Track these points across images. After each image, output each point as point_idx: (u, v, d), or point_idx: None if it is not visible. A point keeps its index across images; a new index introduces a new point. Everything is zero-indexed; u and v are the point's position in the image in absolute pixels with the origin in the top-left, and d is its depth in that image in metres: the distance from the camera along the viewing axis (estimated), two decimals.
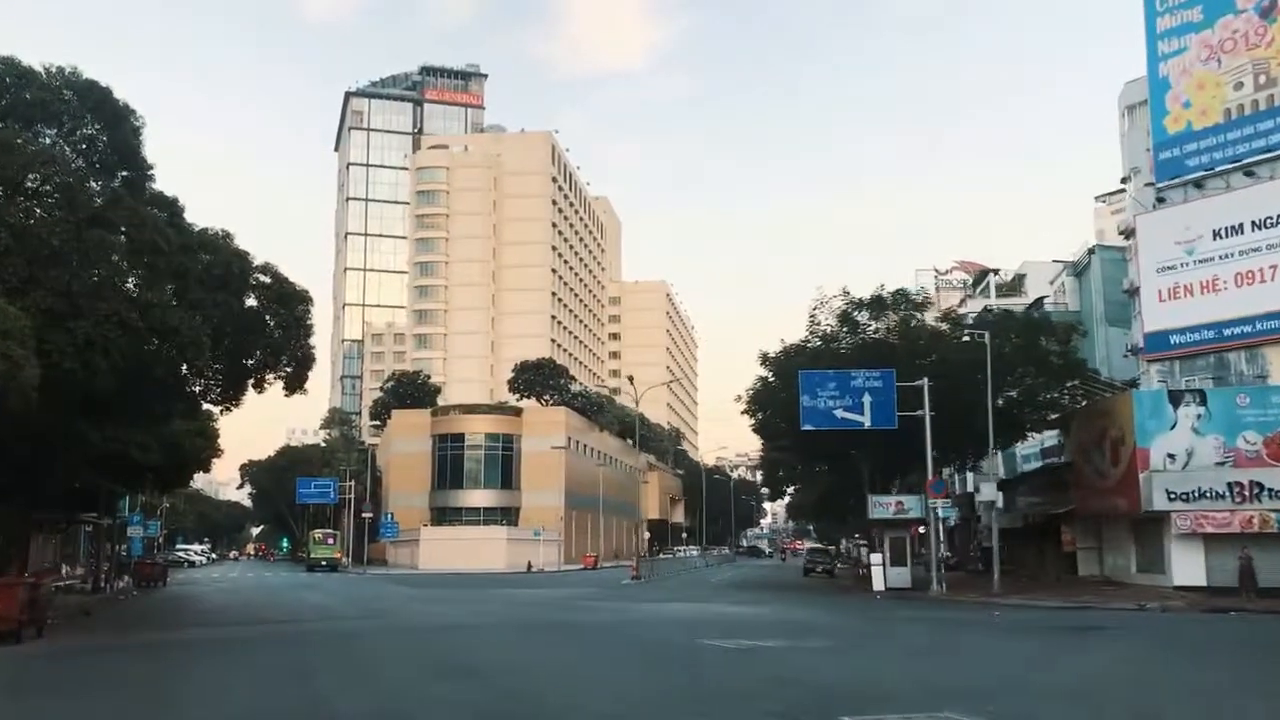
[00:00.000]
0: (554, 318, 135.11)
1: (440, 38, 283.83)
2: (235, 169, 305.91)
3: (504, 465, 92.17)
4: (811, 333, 45.41)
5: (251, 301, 30.08)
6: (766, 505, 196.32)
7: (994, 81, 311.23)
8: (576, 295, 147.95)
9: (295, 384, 31.57)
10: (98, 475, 40.16)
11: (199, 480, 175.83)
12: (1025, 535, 54.77)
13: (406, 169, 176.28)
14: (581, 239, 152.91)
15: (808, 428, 40.89)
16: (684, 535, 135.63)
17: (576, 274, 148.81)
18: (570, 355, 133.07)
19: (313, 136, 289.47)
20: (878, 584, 42.08)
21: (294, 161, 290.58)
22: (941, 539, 68.43)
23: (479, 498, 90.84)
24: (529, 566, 74.18)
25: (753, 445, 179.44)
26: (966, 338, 39.56)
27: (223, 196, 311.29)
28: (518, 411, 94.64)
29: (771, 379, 48.46)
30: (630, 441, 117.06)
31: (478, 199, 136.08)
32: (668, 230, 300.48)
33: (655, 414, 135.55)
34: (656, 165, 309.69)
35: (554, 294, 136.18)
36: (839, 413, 40.22)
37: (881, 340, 44.39)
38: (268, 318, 30.20)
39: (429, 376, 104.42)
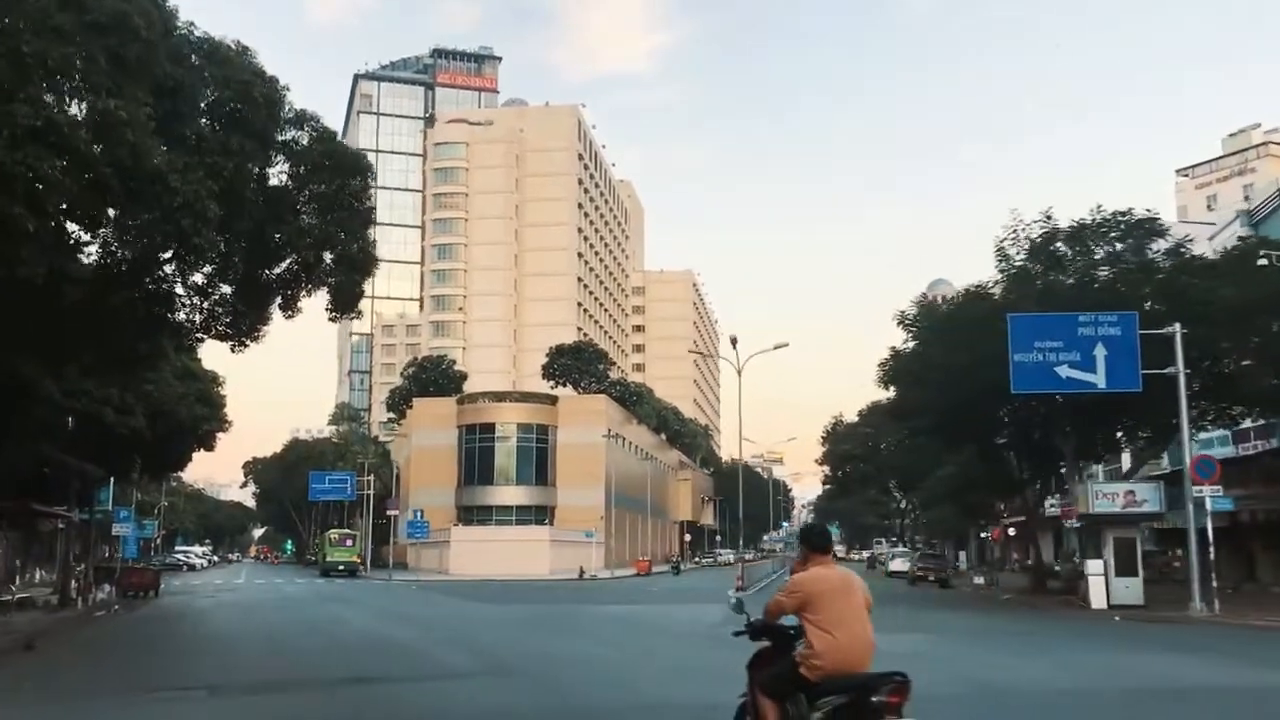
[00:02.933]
0: (580, 305, 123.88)
1: (447, 37, 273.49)
2: None
3: (538, 459, 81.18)
4: (1002, 272, 34.38)
5: (281, 170, 19.03)
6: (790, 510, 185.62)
7: (1026, 62, 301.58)
8: (601, 282, 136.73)
9: (346, 300, 20.62)
10: (63, 450, 29.03)
11: (199, 478, 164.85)
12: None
13: (418, 155, 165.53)
14: (606, 223, 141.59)
15: (1021, 391, 29.98)
16: (717, 538, 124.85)
17: (601, 260, 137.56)
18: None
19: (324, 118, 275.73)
20: (1097, 600, 31.00)
21: None
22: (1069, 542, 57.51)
23: (510, 495, 79.83)
24: (581, 572, 63.00)
25: (770, 444, 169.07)
26: (1263, 260, 28.41)
27: None
28: (553, 400, 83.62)
29: (926, 335, 37.61)
30: (663, 436, 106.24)
31: (499, 177, 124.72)
32: (677, 225, 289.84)
33: (683, 410, 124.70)
34: (667, 161, 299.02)
35: (580, 279, 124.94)
36: (1063, 371, 29.32)
37: (1087, 278, 33.47)
38: (304, 197, 19.15)
39: (454, 362, 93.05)
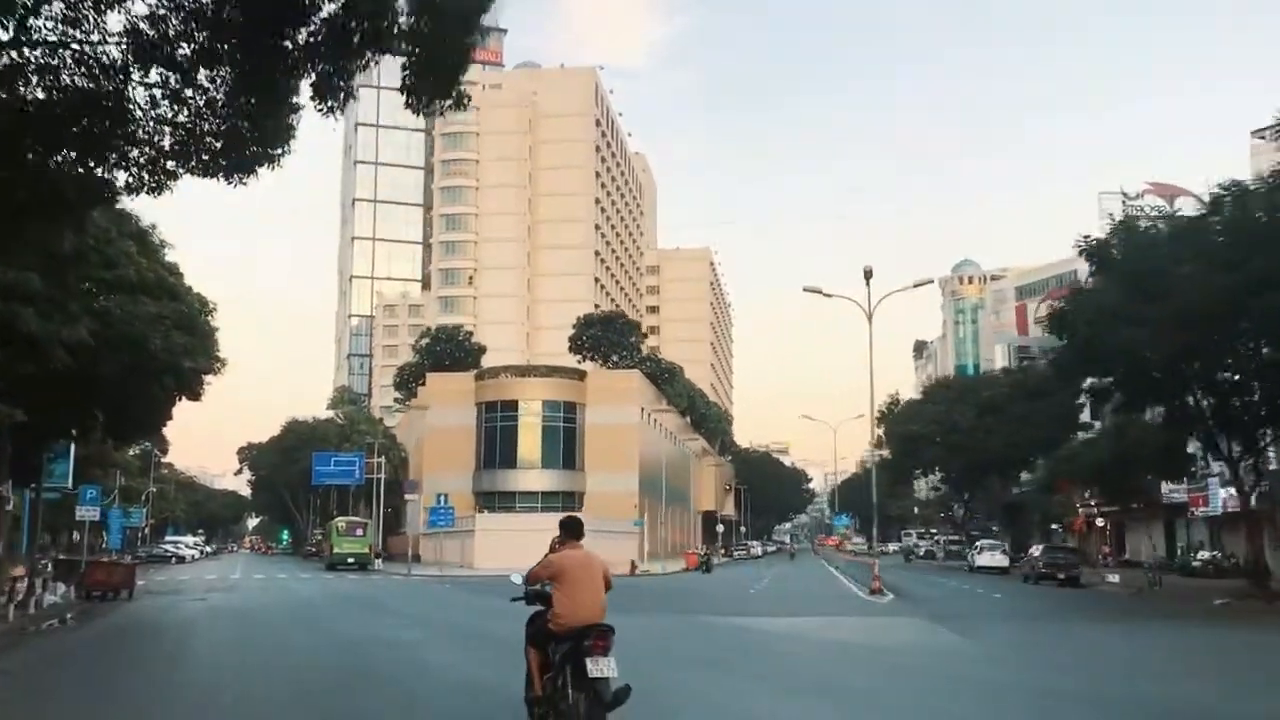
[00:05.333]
0: (597, 280, 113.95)
1: None
2: None
3: (565, 440, 71.44)
4: None
5: None
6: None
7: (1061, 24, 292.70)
8: (618, 258, 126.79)
9: (441, 71, 10.85)
10: None
11: (191, 465, 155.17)
12: None
13: (420, 130, 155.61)
14: (623, 195, 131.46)
15: None
16: (742, 529, 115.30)
17: (618, 234, 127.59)
18: None
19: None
20: None
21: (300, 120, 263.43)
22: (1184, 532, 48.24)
23: (535, 480, 70.08)
24: (633, 567, 53.39)
25: (781, 435, 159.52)
26: None
27: None
28: (581, 375, 73.95)
29: (1138, 260, 28.19)
30: (689, 420, 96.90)
31: (511, 143, 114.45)
32: (679, 210, 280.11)
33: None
34: (667, 150, 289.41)
35: (597, 254, 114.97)
36: None
37: None
38: None
39: (470, 333, 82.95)
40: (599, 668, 7.67)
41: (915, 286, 32.61)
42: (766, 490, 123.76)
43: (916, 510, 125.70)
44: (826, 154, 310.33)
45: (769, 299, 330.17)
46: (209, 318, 23.50)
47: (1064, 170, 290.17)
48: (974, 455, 65.57)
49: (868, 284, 31.41)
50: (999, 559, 55.15)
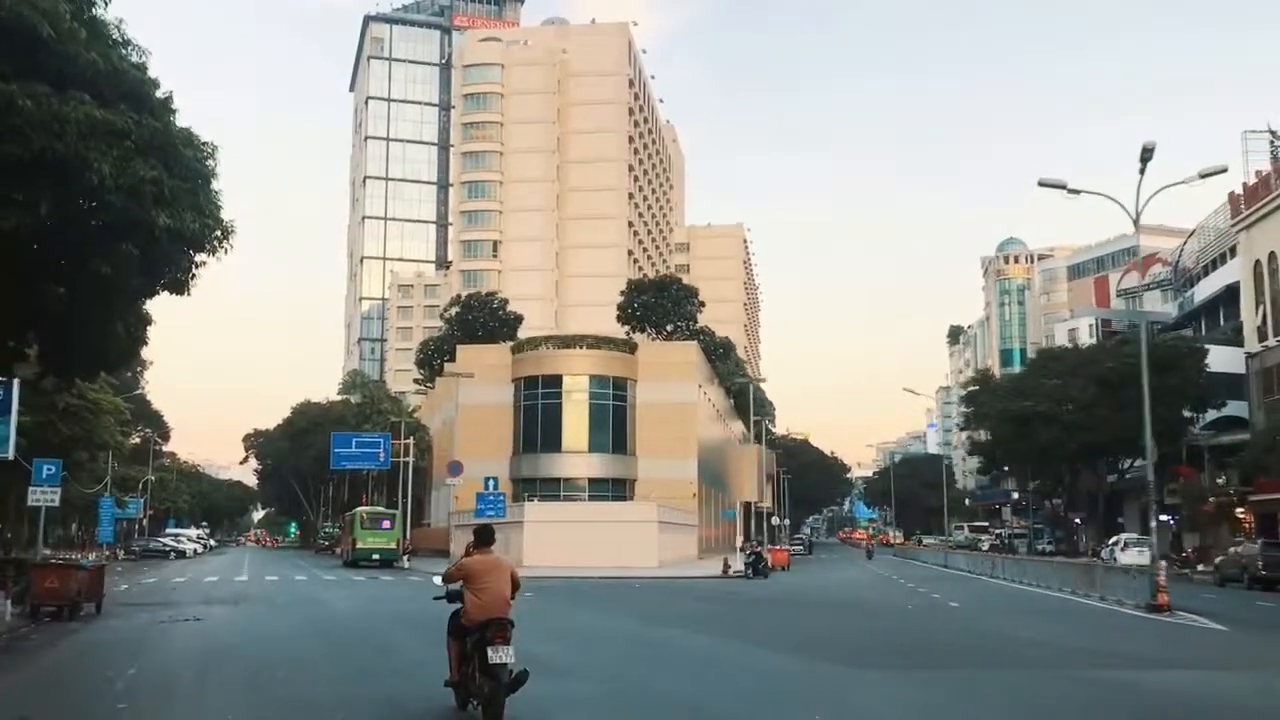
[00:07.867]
0: (630, 254, 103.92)
1: None
2: (232, 103, 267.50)
3: (615, 420, 61.56)
4: None
5: None
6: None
7: None
8: (649, 232, 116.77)
9: None
10: None
11: (191, 450, 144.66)
12: None
13: (434, 105, 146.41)
14: (654, 165, 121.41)
15: None
16: (785, 523, 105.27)
17: (650, 207, 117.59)
18: None
19: (326, 67, 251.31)
20: None
21: (305, 96, 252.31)
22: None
23: (582, 465, 60.25)
24: (725, 567, 43.39)
25: (803, 422, 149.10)
26: None
27: (217, 135, 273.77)
28: (632, 347, 64.04)
29: None
30: (734, 402, 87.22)
31: (538, 104, 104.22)
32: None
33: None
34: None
35: (630, 225, 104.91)
36: None
37: None
38: None
39: (505, 301, 72.91)
40: (498, 655, 8.61)
41: (1202, 177, 23.06)
42: (808, 480, 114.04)
43: (968, 502, 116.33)
44: (847, 139, 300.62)
45: (790, 284, 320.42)
46: (206, 162, 13.27)
47: (1098, 152, 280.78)
48: (1092, 435, 56.03)
49: (1142, 169, 21.67)
50: (1140, 554, 46.21)
